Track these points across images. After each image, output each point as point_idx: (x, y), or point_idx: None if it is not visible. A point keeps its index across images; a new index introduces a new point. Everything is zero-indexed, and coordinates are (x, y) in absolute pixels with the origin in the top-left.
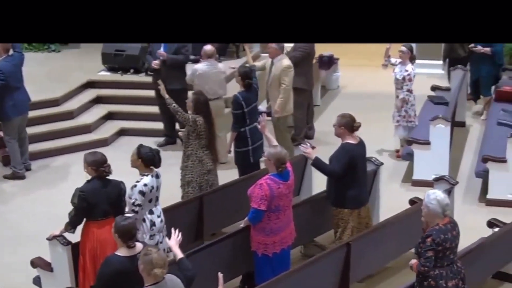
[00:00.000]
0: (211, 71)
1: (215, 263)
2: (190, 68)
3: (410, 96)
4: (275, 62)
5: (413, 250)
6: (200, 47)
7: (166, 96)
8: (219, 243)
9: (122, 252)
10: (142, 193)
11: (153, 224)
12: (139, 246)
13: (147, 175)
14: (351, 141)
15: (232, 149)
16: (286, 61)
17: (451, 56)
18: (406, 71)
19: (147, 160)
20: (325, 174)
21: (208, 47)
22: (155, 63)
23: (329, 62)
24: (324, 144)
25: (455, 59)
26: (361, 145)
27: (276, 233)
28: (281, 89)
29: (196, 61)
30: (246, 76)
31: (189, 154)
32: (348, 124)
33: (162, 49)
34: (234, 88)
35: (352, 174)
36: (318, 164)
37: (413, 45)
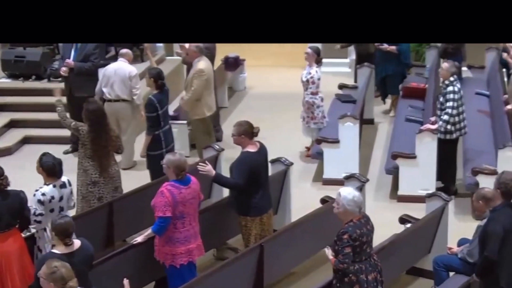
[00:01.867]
0: (113, 72)
1: (126, 270)
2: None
3: (316, 99)
4: (193, 64)
5: (326, 249)
6: (103, 53)
7: (57, 97)
8: (130, 250)
9: (59, 249)
10: (40, 202)
11: None
12: (77, 243)
13: (48, 185)
14: (251, 149)
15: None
16: (201, 65)
17: (362, 50)
18: (310, 73)
19: (47, 170)
20: (229, 188)
21: (124, 49)
22: (63, 70)
23: (235, 63)
24: (232, 147)
25: (366, 55)
26: (261, 151)
27: (183, 243)
28: (190, 91)
29: (102, 66)
30: (159, 77)
31: (78, 162)
32: (247, 132)
33: (72, 55)
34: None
35: (254, 182)
36: (219, 180)
37: (319, 45)
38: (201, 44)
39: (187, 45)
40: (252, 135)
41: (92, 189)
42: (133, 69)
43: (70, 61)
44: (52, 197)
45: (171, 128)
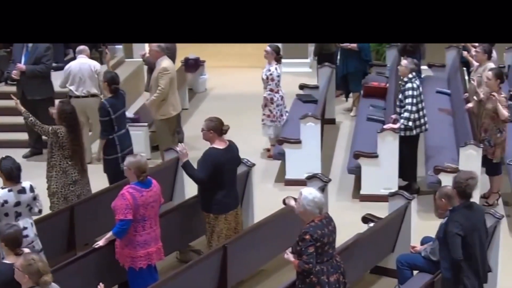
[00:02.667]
0: (78, 68)
1: (89, 274)
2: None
3: (275, 96)
4: (156, 64)
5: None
6: (61, 55)
7: (22, 109)
8: (92, 254)
9: (10, 259)
10: None
11: None
12: (26, 252)
13: (3, 188)
14: (218, 145)
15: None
16: (164, 64)
17: (323, 50)
18: (269, 70)
19: (5, 173)
20: (192, 179)
21: (80, 46)
22: (14, 73)
23: (195, 65)
24: (194, 149)
25: (327, 54)
26: (230, 149)
27: (142, 246)
28: (157, 90)
29: (59, 69)
30: (113, 81)
31: (53, 165)
32: (216, 128)
33: (23, 59)
34: None
35: (218, 179)
36: (187, 168)
37: (280, 45)
38: (162, 44)
39: (146, 45)
40: (221, 132)
41: (73, 188)
42: (96, 63)
43: (21, 65)
44: (6, 201)
45: (128, 132)
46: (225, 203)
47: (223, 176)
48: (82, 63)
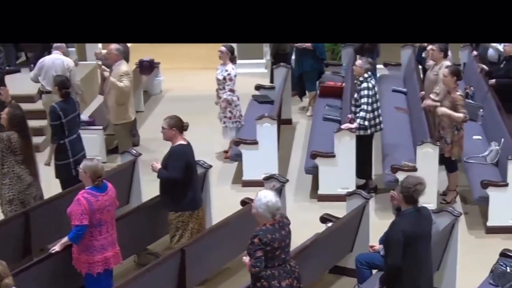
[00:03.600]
0: (51, 62)
1: (45, 280)
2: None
3: (234, 96)
4: (114, 68)
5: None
6: (13, 58)
7: None
8: (48, 259)
9: None
10: None
11: None
12: None
13: None
14: (182, 141)
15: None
16: (124, 67)
17: (279, 51)
18: (227, 71)
19: None
20: (169, 181)
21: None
22: None
23: (150, 67)
24: (150, 151)
25: (282, 54)
26: (190, 145)
27: (99, 251)
28: (123, 86)
29: (11, 72)
30: (63, 85)
31: (6, 172)
32: (178, 125)
33: None
34: None
35: (189, 175)
36: (162, 175)
37: (234, 45)
38: (120, 47)
39: (100, 45)
40: (182, 129)
41: (29, 191)
42: (70, 61)
43: None
44: None
45: (80, 136)
46: (197, 199)
47: (193, 171)
48: (56, 58)
